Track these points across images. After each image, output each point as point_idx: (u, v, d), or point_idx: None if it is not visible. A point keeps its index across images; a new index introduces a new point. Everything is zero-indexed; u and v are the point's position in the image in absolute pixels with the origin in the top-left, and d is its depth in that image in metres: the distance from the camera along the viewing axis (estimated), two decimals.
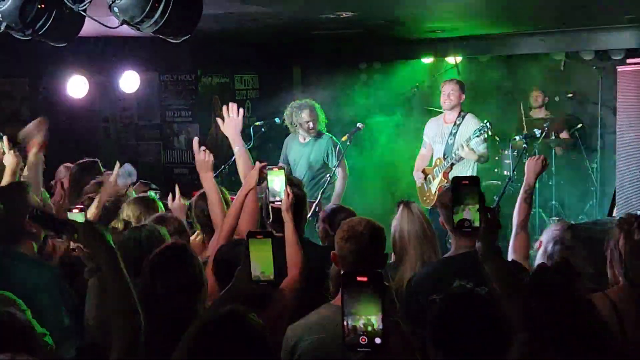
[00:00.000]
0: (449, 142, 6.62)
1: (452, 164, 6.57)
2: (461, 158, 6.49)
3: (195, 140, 4.31)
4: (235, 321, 2.11)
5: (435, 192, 6.59)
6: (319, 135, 6.88)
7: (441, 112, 7.02)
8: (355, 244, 2.92)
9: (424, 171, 6.89)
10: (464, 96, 6.74)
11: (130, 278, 3.34)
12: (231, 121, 4.35)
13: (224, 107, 4.41)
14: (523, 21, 7.01)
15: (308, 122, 6.76)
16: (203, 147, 4.24)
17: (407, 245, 3.82)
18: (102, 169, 5.30)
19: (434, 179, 6.74)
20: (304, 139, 6.93)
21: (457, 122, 6.64)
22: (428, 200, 6.79)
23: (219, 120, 4.42)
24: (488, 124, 6.30)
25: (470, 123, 6.55)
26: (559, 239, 3.50)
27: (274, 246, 2.60)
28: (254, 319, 2.13)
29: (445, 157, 6.60)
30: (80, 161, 5.36)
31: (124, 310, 2.41)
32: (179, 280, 2.87)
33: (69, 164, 5.46)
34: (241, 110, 4.36)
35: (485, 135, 6.32)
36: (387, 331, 1.90)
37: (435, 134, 6.85)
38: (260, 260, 2.58)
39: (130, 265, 3.36)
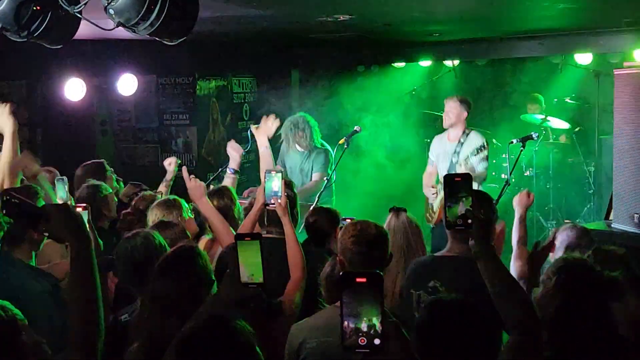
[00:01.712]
0: (453, 160, 6.46)
1: None
2: None
3: (184, 169, 4.51)
4: (220, 327, 2.08)
5: (437, 210, 6.43)
6: (314, 147, 6.88)
7: (438, 115, 6.95)
8: (366, 247, 2.94)
9: (433, 187, 6.65)
10: (465, 113, 6.49)
11: (132, 286, 3.32)
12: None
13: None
14: (520, 24, 7.01)
15: (303, 138, 6.76)
16: (192, 175, 4.28)
17: None
18: (110, 170, 5.31)
19: (436, 197, 6.54)
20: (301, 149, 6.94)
21: (462, 140, 6.47)
22: (430, 218, 6.63)
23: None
24: (486, 142, 6.21)
25: (474, 141, 6.39)
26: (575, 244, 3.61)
27: (263, 248, 2.57)
28: (239, 324, 2.11)
29: None
30: (86, 163, 5.32)
31: (85, 304, 2.24)
32: (189, 280, 2.87)
33: (51, 168, 5.30)
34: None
35: (484, 154, 6.22)
36: (386, 332, 1.89)
37: (439, 153, 6.68)
38: (249, 263, 2.55)
39: (127, 272, 3.38)
